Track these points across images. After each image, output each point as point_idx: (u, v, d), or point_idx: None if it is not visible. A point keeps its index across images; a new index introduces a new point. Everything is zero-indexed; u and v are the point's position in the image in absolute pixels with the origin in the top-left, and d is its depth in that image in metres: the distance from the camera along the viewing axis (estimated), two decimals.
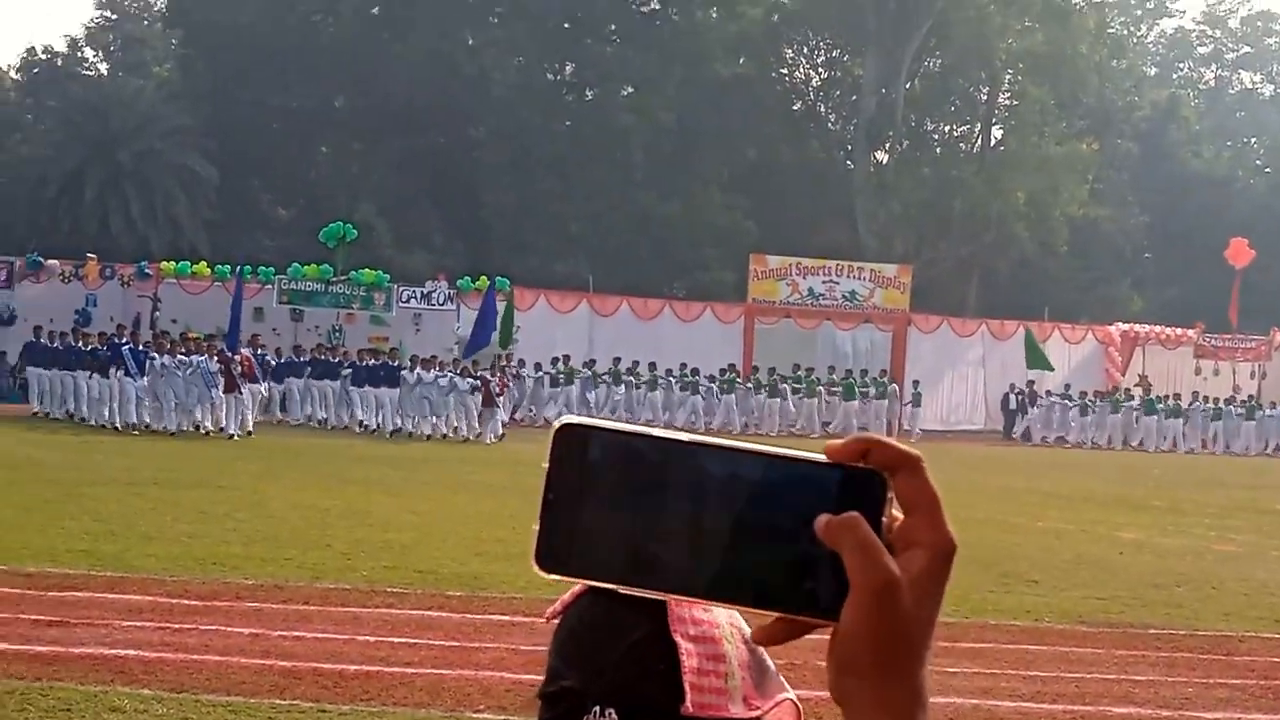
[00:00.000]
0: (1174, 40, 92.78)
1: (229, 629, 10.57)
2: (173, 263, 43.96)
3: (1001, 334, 50.64)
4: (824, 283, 48.86)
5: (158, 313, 41.83)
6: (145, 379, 32.19)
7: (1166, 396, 49.42)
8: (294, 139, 59.95)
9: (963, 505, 23.09)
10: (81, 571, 12.66)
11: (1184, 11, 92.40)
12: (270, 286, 42.34)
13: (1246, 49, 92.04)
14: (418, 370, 36.20)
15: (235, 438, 31.27)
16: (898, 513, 1.05)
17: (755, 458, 1.02)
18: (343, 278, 41.92)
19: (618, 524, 1.03)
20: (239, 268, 38.90)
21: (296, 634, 10.53)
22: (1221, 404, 49.50)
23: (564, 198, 56.97)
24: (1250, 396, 50.20)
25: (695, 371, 43.95)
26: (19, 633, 10.06)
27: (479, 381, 36.16)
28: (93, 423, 32.48)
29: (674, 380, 44.05)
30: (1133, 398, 49.49)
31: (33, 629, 10.21)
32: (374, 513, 18.11)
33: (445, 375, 36.24)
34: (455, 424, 36.31)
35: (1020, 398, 48.78)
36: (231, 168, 56.86)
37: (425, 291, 44.21)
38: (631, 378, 43.65)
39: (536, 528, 1.03)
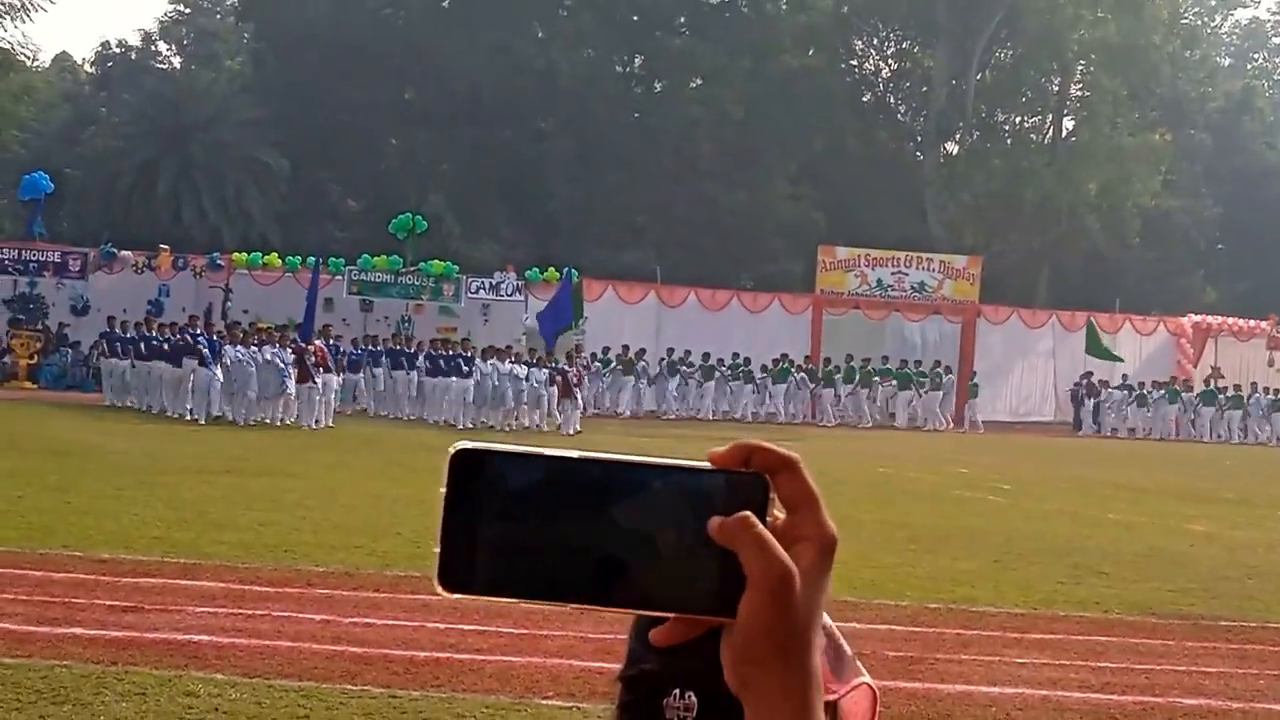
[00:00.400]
0: (1249, 30, 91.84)
1: (300, 615, 10.65)
2: (244, 254, 44.32)
3: (1072, 325, 50.34)
4: (893, 274, 48.68)
5: (229, 303, 42.19)
6: (219, 369, 31.93)
7: (1226, 388, 48.92)
8: (363, 131, 60.27)
9: (1033, 497, 23.02)
10: (155, 558, 12.79)
11: (1259, 2, 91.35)
12: (340, 277, 42.68)
13: None
14: (491, 361, 35.60)
15: (309, 428, 31.12)
16: (780, 512, 1.09)
17: (645, 469, 1.05)
18: (412, 269, 42.19)
19: (516, 541, 1.05)
20: (315, 259, 38.75)
21: (367, 621, 10.60)
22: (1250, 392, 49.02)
23: (631, 189, 57.04)
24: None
25: (748, 361, 43.81)
26: (95, 618, 10.18)
27: (555, 372, 35.51)
28: (169, 413, 32.20)
29: (728, 370, 43.86)
30: (1191, 388, 48.94)
31: (108, 614, 10.33)
32: (440, 501, 18.18)
33: (520, 366, 35.63)
34: (532, 415, 35.81)
35: (1079, 390, 48.32)
36: (302, 160, 57.29)
37: (494, 283, 44.39)
38: (685, 368, 43.53)
39: (437, 550, 1.06)
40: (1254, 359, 52.30)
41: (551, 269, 44.55)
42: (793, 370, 44.42)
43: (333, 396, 33.44)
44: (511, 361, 35.66)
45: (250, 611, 10.69)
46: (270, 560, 12.99)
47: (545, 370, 35.51)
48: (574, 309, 38.79)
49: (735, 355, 43.92)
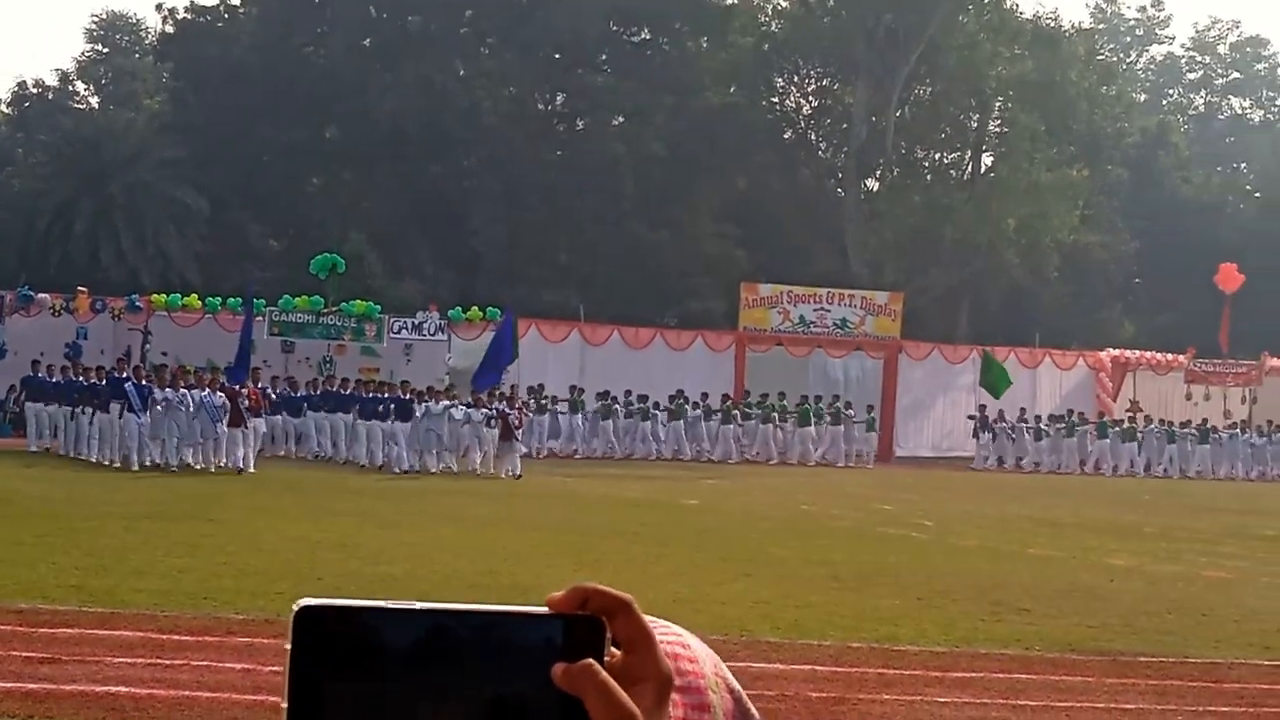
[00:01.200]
0: (1163, 66, 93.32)
1: (220, 664, 10.56)
2: (163, 295, 43.95)
3: None
4: (815, 310, 48.94)
5: (149, 345, 41.78)
6: (148, 414, 31.11)
7: (1120, 421, 49.03)
8: (285, 170, 60.03)
9: (955, 533, 23.16)
10: (72, 607, 12.65)
11: (1173, 38, 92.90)
12: (261, 318, 42.35)
13: (1235, 75, 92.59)
14: (426, 403, 34.53)
15: (242, 472, 30.46)
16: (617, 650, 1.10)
17: (485, 617, 1.05)
18: (333, 309, 41.96)
19: (361, 699, 1.04)
20: (249, 299, 37.64)
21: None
22: (1176, 427, 49.10)
23: (554, 227, 57.08)
24: (1204, 420, 49.78)
25: (643, 398, 43.67)
26: (10, 670, 10.05)
27: (494, 413, 34.37)
28: (94, 460, 31.52)
29: (625, 408, 43.63)
30: (1087, 422, 48.86)
31: (24, 666, 10.20)
32: (365, 545, 18.11)
33: (458, 406, 34.59)
34: (473, 458, 34.68)
35: (975, 423, 47.93)
36: (222, 200, 56.92)
37: (416, 322, 44.21)
38: (603, 405, 43.39)
39: (285, 706, 1.03)
40: (1172, 392, 52.85)
41: (475, 308, 44.48)
42: (689, 407, 44.24)
43: (257, 440, 32.89)
44: (448, 402, 34.70)
45: (169, 661, 10.58)
46: (190, 608, 12.87)
47: (483, 411, 34.52)
48: (513, 347, 38.54)
49: (627, 393, 43.83)
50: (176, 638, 11.50)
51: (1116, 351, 54.01)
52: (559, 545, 19.15)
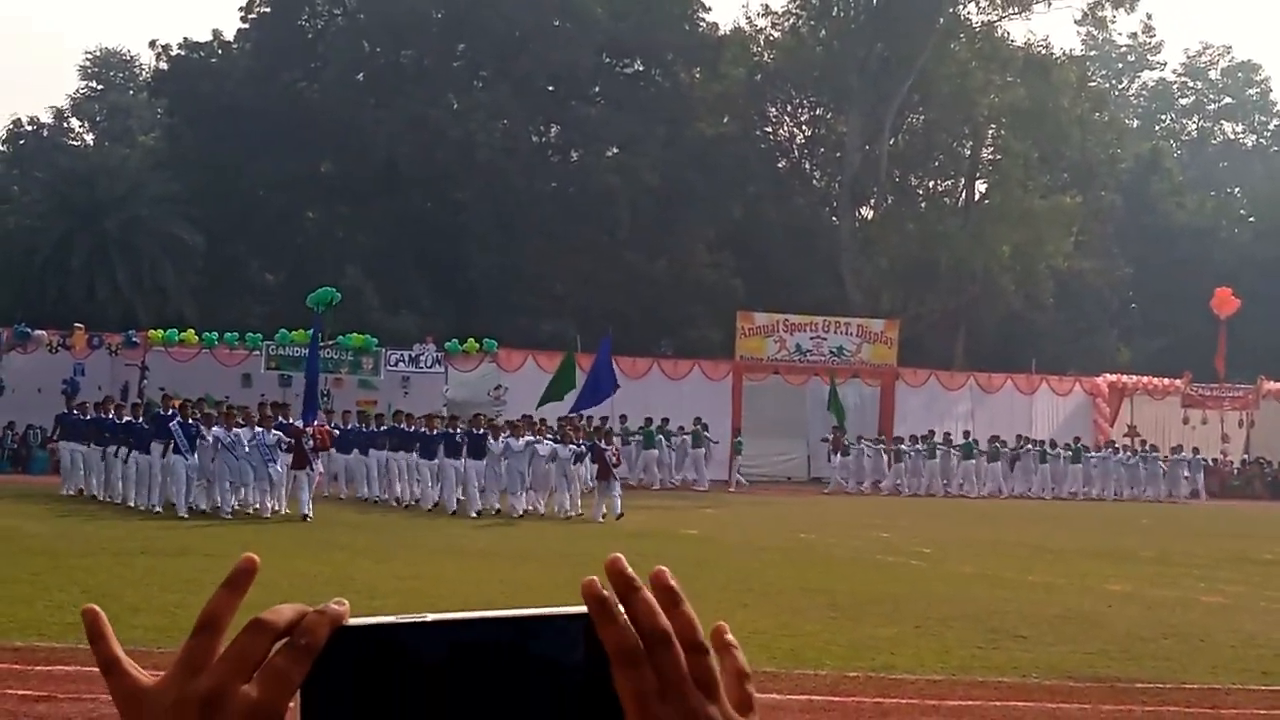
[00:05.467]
0: (1156, 92, 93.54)
1: None
2: (160, 331, 43.99)
3: (990, 387, 50.82)
4: (811, 339, 49.02)
5: (145, 381, 41.83)
6: (195, 455, 28.16)
7: (995, 438, 47.81)
8: (280, 205, 60.12)
9: (953, 560, 23.13)
10: (69, 645, 12.62)
11: (1165, 64, 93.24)
12: (258, 352, 42.45)
13: (1228, 100, 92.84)
14: (506, 438, 30.99)
15: (305, 519, 27.49)
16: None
17: (507, 622, 1.03)
18: (330, 342, 41.99)
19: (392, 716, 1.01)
20: (317, 335, 35.00)
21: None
22: (1047, 447, 48.16)
23: (550, 258, 57.16)
24: (1076, 439, 48.98)
25: (648, 422, 43.64)
26: (6, 709, 10.03)
27: (585, 449, 31.63)
28: (131, 504, 29.09)
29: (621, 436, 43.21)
30: (950, 442, 47.45)
31: (20, 704, 10.19)
32: (360, 579, 18.09)
33: (543, 442, 31.25)
34: (560, 499, 31.17)
35: (829, 445, 46.74)
36: (218, 234, 57.00)
37: (413, 354, 44.30)
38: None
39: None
40: (1169, 417, 52.92)
41: (471, 340, 44.56)
42: (671, 434, 44.24)
43: (313, 484, 29.81)
44: (530, 437, 31.35)
45: None
46: None
47: (571, 448, 31.35)
48: (559, 383, 37.68)
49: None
50: None
51: (1113, 377, 54.07)
52: (554, 577, 19.11)
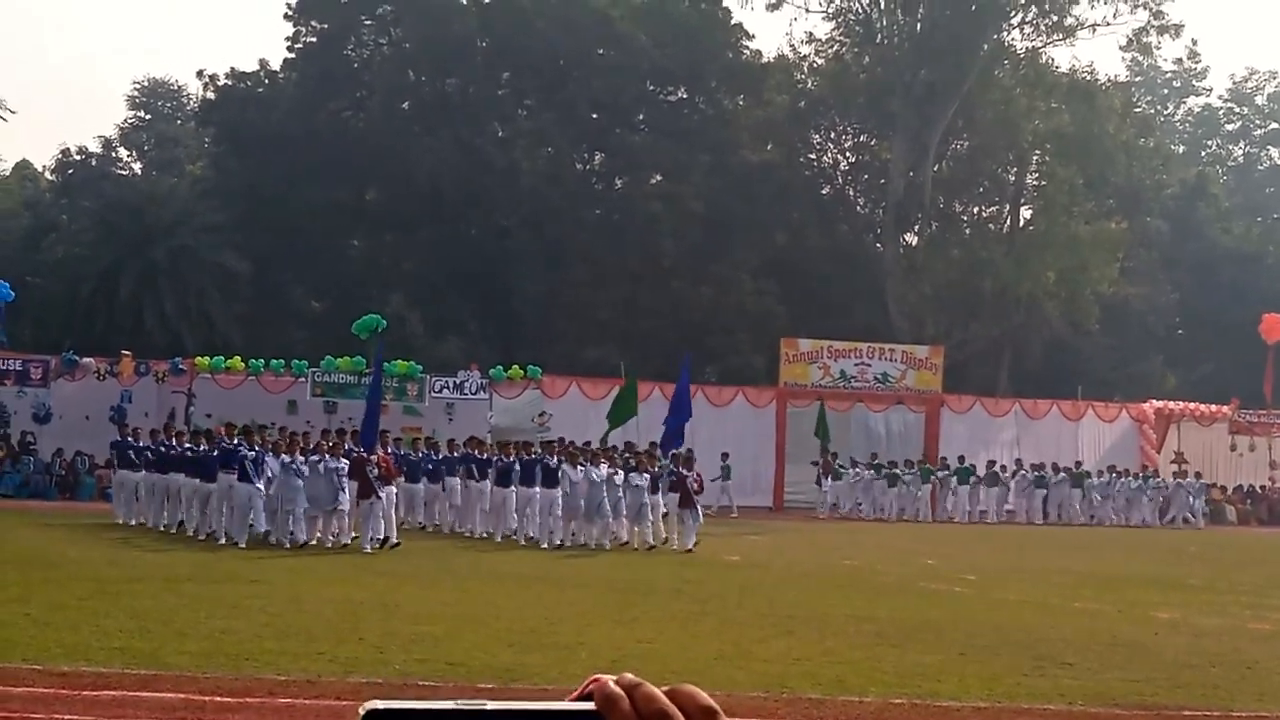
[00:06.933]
0: (1201, 118, 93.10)
1: None
2: (206, 358, 44.23)
3: (1035, 413, 50.57)
4: (856, 365, 48.96)
5: (192, 408, 42.08)
6: (261, 484, 27.43)
7: (993, 463, 47.33)
8: (326, 232, 60.47)
9: (998, 587, 23.03)
10: (115, 669, 12.69)
11: (1210, 89, 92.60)
12: (304, 379, 42.66)
13: (1274, 125, 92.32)
14: (584, 467, 29.95)
15: (369, 550, 26.64)
16: None
17: (539, 716, 1.08)
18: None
19: None
20: (380, 361, 33.59)
21: None
22: (1047, 472, 47.53)
23: (594, 285, 57.29)
24: (1078, 463, 48.41)
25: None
26: None
27: (666, 477, 30.92)
28: (190, 534, 28.62)
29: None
30: (947, 467, 46.96)
31: None
32: (405, 605, 18.12)
33: (616, 471, 30.15)
34: (632, 529, 30.32)
35: (819, 469, 46.17)
36: (264, 262, 57.37)
37: (458, 381, 44.42)
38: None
39: None
40: (1216, 444, 52.55)
41: (515, 366, 44.67)
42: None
43: (393, 510, 28.76)
44: (608, 466, 30.28)
45: None
46: (231, 669, 12.90)
47: (646, 475, 30.45)
48: (620, 408, 36.30)
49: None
50: (218, 699, 11.52)
51: (1160, 403, 53.73)
52: (600, 603, 19.12)
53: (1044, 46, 63.58)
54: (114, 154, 72.43)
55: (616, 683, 1.10)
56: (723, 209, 58.51)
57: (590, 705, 1.09)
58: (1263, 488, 52.84)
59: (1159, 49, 75.05)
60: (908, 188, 61.58)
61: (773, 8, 62.74)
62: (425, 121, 60.10)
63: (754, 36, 65.85)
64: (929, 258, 60.90)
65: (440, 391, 44.02)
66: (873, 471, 46.32)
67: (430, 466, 32.98)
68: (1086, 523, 46.40)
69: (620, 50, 60.17)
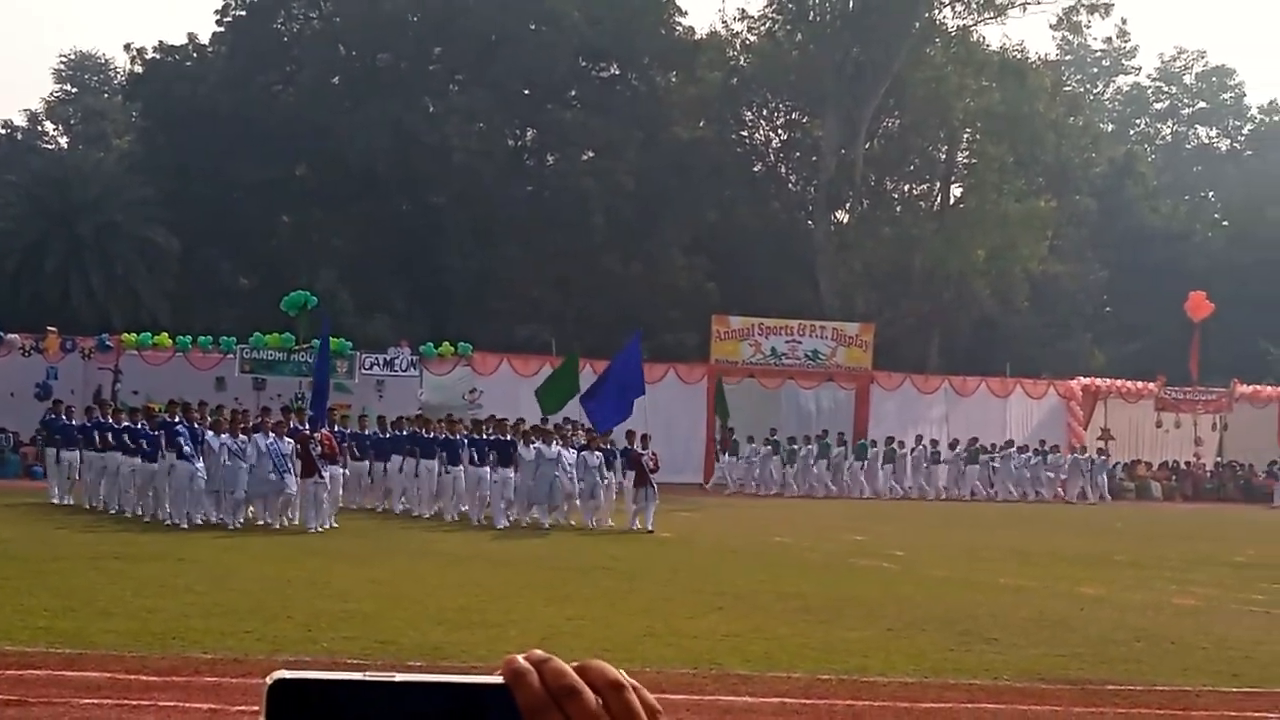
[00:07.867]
0: (1130, 97, 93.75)
1: (187, 705, 10.51)
2: (134, 334, 43.87)
3: (964, 390, 50.89)
4: (786, 342, 49.10)
5: (119, 385, 41.73)
6: (202, 463, 26.44)
7: (892, 440, 47.34)
8: (255, 208, 59.99)
9: (925, 563, 23.17)
10: (39, 649, 12.57)
11: (1139, 68, 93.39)
12: (232, 356, 42.40)
13: (1202, 104, 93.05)
14: (536, 445, 29.20)
15: (316, 530, 26.14)
16: None
17: (446, 688, 1.08)
18: (304, 346, 41.91)
19: None
20: (326, 336, 32.89)
21: (255, 709, 10.45)
22: (944, 448, 47.86)
23: (525, 262, 57.13)
24: (974, 439, 48.30)
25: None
26: None
27: (619, 455, 30.50)
28: (128, 514, 27.78)
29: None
30: (845, 444, 46.78)
31: None
32: (335, 583, 18.05)
33: (569, 450, 29.53)
34: (587, 508, 29.66)
35: (718, 446, 46.33)
36: (192, 238, 56.85)
37: (388, 358, 44.26)
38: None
39: None
40: (1143, 420, 53.07)
41: (446, 343, 44.54)
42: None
43: (339, 492, 28.64)
44: (560, 445, 29.53)
45: (136, 702, 10.53)
46: (157, 648, 12.81)
47: (597, 454, 30.17)
48: (555, 389, 35.19)
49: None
50: (144, 678, 11.44)
51: (1087, 380, 54.16)
52: (531, 581, 19.12)
53: (975, 25, 63.86)
54: (40, 128, 71.73)
55: (525, 658, 1.11)
56: (654, 186, 58.46)
57: (499, 679, 1.09)
58: (1188, 464, 53.43)
59: (1089, 28, 75.53)
60: (839, 165, 61.67)
61: None
62: (356, 97, 59.71)
63: (686, 13, 65.99)
64: (860, 235, 61.05)
65: (370, 368, 43.85)
66: (769, 447, 46.08)
67: (373, 446, 32.10)
68: (988, 498, 46.60)
69: (552, 26, 59.94)
